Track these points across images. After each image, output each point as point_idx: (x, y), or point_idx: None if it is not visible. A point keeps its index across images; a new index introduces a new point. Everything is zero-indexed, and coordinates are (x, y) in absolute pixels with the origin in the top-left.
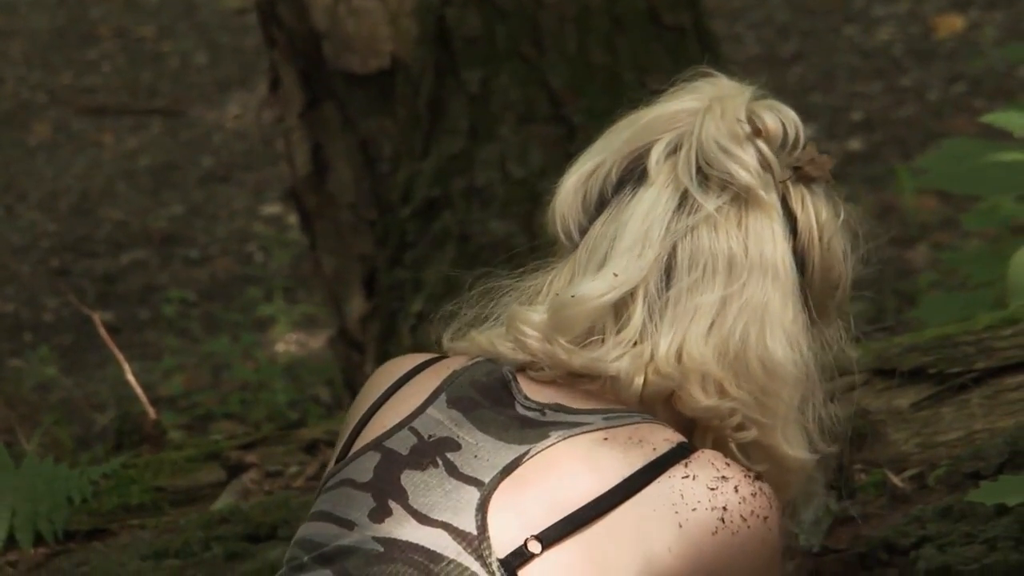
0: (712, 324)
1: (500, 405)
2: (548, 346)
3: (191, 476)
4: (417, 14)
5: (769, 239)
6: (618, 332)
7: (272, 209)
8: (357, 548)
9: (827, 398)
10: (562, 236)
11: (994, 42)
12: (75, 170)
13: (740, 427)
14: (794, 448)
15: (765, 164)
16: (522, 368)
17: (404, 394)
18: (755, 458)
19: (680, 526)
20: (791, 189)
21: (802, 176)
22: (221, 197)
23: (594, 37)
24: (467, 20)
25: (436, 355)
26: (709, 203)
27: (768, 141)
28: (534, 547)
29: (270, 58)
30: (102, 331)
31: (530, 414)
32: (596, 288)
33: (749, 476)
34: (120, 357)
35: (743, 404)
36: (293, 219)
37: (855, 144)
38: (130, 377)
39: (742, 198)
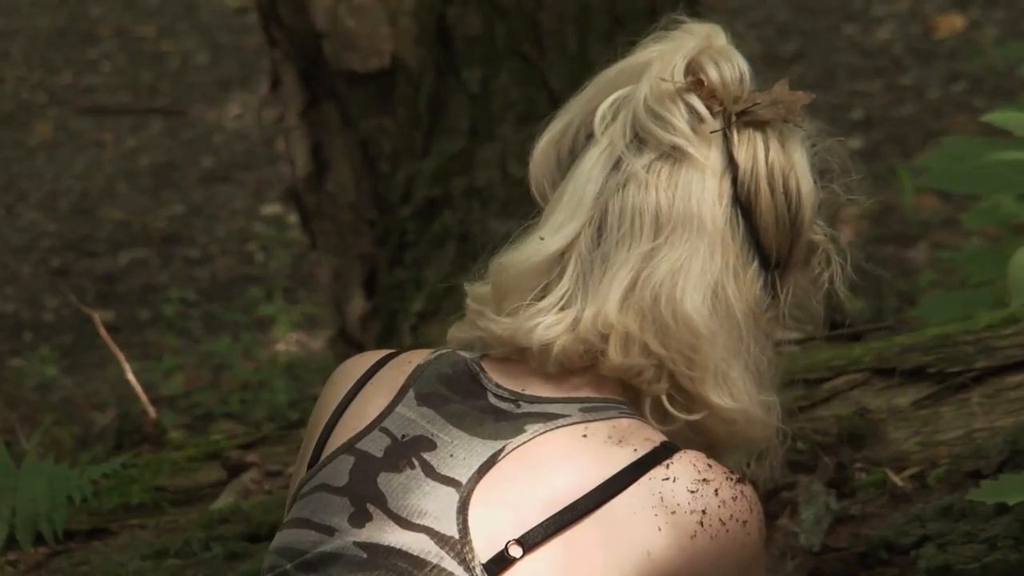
0: (632, 283)
1: (472, 397)
2: (484, 319)
3: (191, 476)
4: (417, 13)
5: (697, 191)
6: (541, 298)
7: (272, 209)
8: (340, 554)
9: (769, 345)
10: (539, 199)
11: (994, 41)
12: (75, 170)
13: (669, 381)
14: (724, 398)
15: (697, 117)
16: (485, 354)
17: (368, 394)
18: (693, 409)
19: (660, 529)
20: (735, 135)
21: (751, 121)
22: (221, 197)
23: (594, 36)
24: (467, 19)
25: (394, 350)
26: (640, 161)
27: (706, 93)
28: (515, 551)
29: (270, 57)
30: (102, 331)
31: (504, 405)
32: (521, 253)
33: (731, 479)
34: (120, 357)
35: (669, 360)
36: (293, 219)
37: (855, 143)
38: (130, 377)
39: (671, 155)
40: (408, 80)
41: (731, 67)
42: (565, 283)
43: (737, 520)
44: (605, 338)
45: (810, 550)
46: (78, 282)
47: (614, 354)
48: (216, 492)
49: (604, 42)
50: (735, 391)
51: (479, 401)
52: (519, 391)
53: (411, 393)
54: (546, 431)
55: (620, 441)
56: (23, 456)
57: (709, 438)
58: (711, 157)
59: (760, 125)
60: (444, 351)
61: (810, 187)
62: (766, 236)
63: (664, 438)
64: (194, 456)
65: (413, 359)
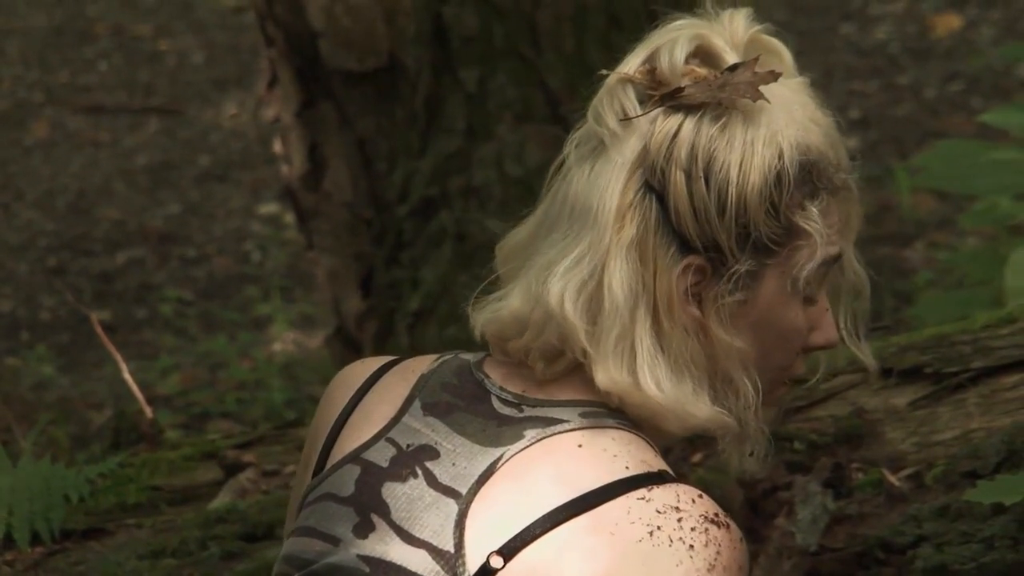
0: (535, 272)
1: (476, 403)
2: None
3: (188, 475)
4: (414, 13)
5: (603, 181)
6: (498, 287)
7: (269, 208)
8: (343, 567)
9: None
10: None
11: (991, 41)
12: (72, 169)
13: (556, 360)
14: (607, 380)
15: (621, 107)
16: (487, 355)
17: (371, 402)
18: (593, 389)
19: (612, 534)
20: (658, 121)
21: (679, 104)
22: (218, 196)
23: (591, 36)
24: (464, 19)
25: (393, 358)
26: (576, 154)
27: (658, 80)
28: (496, 562)
29: (267, 57)
30: (99, 330)
31: (507, 410)
32: (506, 239)
33: (707, 517)
34: (117, 356)
35: (565, 346)
36: (290, 218)
37: (852, 142)
38: (127, 376)
39: (597, 147)
40: (405, 80)
41: (685, 50)
42: (516, 272)
43: (684, 542)
44: (518, 331)
45: (807, 550)
46: (75, 281)
47: (515, 343)
48: (213, 491)
49: (601, 42)
50: (626, 371)
51: (483, 406)
52: (521, 393)
53: (417, 403)
54: (543, 438)
55: (614, 457)
56: (19, 455)
57: (645, 424)
58: (629, 145)
59: (692, 108)
60: (447, 357)
61: (753, 171)
62: (682, 221)
63: (663, 466)
64: (191, 455)
65: (416, 368)
